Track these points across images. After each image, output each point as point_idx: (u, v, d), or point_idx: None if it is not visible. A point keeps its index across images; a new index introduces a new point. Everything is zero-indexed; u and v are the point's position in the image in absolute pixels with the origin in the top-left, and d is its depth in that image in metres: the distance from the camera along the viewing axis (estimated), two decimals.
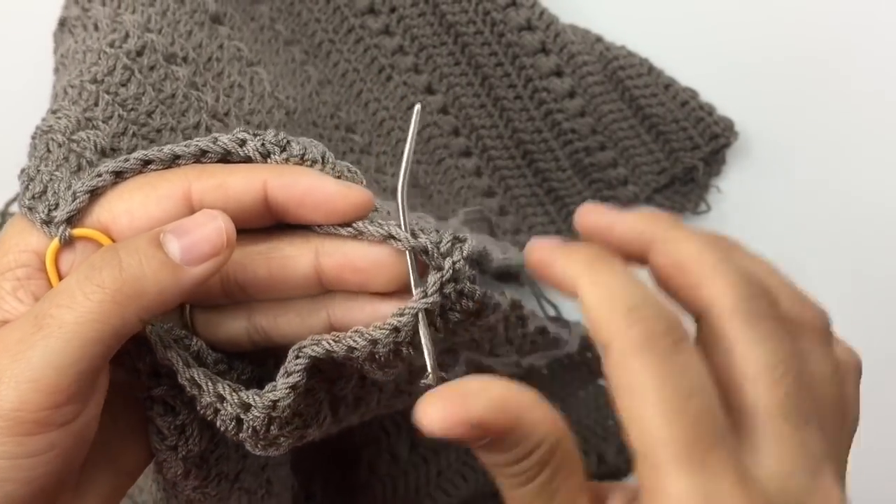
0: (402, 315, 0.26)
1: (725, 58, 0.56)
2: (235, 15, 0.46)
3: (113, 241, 0.27)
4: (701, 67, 0.54)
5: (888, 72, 0.55)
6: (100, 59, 0.35)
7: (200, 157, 0.28)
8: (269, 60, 0.47)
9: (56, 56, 0.39)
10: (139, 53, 0.36)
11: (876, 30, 0.56)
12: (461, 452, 0.49)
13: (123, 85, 0.34)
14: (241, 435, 0.27)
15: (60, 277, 0.27)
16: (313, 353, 0.27)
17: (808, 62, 0.56)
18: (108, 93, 0.33)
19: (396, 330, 0.26)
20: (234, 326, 0.29)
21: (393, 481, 0.46)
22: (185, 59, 0.38)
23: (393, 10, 0.53)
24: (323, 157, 0.28)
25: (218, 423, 0.27)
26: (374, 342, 0.26)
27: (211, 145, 0.28)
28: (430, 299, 0.26)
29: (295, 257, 0.28)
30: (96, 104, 0.32)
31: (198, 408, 0.27)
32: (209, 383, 0.27)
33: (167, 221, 0.27)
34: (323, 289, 0.28)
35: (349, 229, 0.27)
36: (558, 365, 0.48)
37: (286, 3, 0.52)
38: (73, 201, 0.27)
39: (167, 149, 0.28)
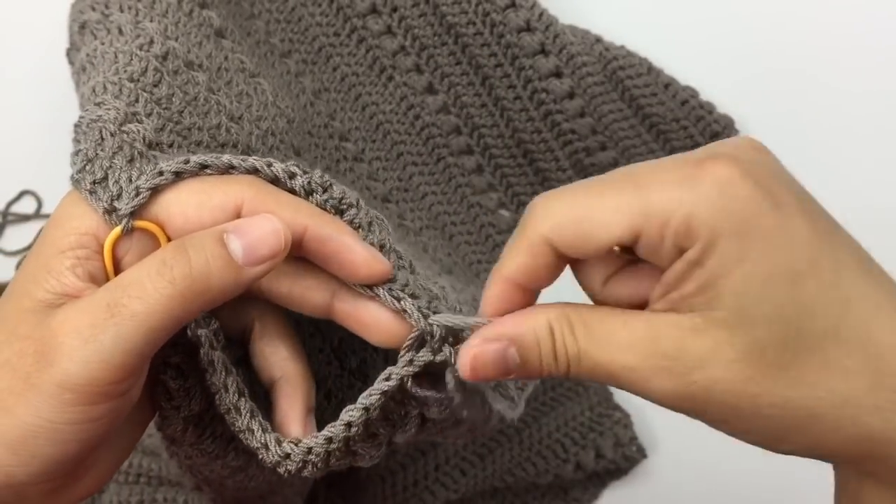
0: (387, 378, 0.30)
1: (725, 56, 0.56)
2: (235, 30, 0.48)
3: (167, 236, 0.30)
4: (700, 66, 0.54)
5: (888, 70, 0.55)
6: (132, 60, 0.36)
7: (252, 173, 0.30)
8: (266, 73, 0.48)
9: (80, 56, 0.40)
10: (164, 58, 0.38)
11: (876, 27, 0.55)
12: (459, 447, 0.50)
13: (156, 85, 0.36)
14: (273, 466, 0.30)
15: (114, 261, 0.30)
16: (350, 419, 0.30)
17: (807, 60, 0.55)
18: (144, 91, 0.35)
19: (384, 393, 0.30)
20: (244, 316, 0.33)
21: (392, 475, 0.47)
22: (200, 67, 0.40)
23: (394, 10, 0.54)
24: (357, 202, 0.31)
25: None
26: (366, 409, 0.30)
27: (265, 168, 0.30)
28: (410, 370, 0.29)
29: (314, 289, 0.31)
30: (137, 100, 0.34)
31: (232, 430, 0.31)
32: (259, 432, 0.30)
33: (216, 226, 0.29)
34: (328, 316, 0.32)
35: (367, 291, 0.30)
36: None
37: (285, 12, 0.53)
38: (136, 196, 0.29)
39: (225, 158, 0.30)
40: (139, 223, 0.29)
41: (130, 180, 0.30)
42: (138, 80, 0.35)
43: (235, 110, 0.40)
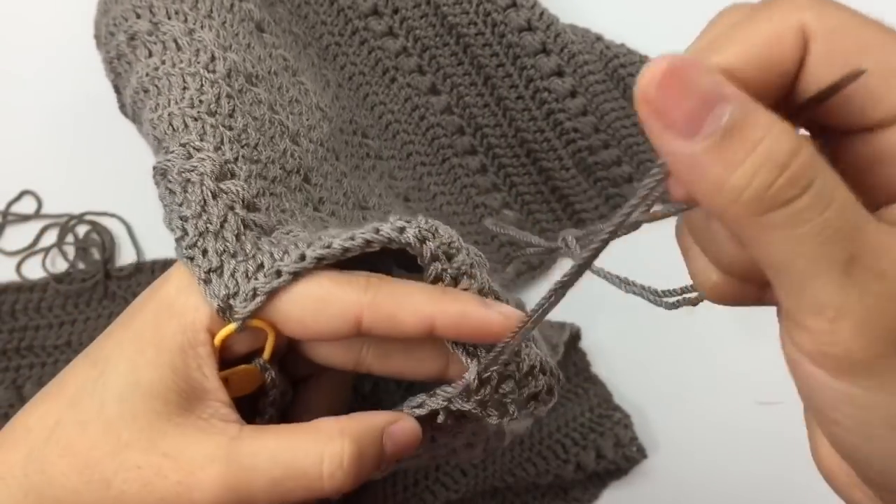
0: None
1: None
2: (271, 20, 0.45)
3: (277, 334, 0.30)
4: None
5: None
6: (202, 85, 0.35)
7: (366, 247, 0.29)
8: (303, 68, 0.46)
9: (137, 74, 0.38)
10: (228, 76, 0.36)
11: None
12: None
13: (231, 115, 0.34)
14: None
15: (221, 349, 0.30)
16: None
17: None
18: (226, 128, 0.34)
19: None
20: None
21: (392, 476, 0.47)
22: (259, 78, 0.38)
23: (396, 11, 0.53)
24: (459, 245, 0.30)
25: None
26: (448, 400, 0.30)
27: (374, 236, 0.29)
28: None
29: (428, 362, 0.31)
30: (222, 142, 0.33)
31: None
32: None
33: (333, 337, 0.29)
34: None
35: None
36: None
37: (295, 6, 0.52)
38: (253, 299, 0.29)
39: (337, 244, 0.29)
40: (253, 323, 0.29)
41: (247, 277, 0.29)
42: (216, 114, 0.34)
43: (292, 126, 0.39)
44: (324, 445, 0.28)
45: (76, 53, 0.50)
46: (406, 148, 0.55)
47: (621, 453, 0.51)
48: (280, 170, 0.36)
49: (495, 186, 0.56)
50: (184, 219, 0.30)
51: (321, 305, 0.29)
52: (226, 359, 0.30)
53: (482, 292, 0.30)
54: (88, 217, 0.55)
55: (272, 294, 0.29)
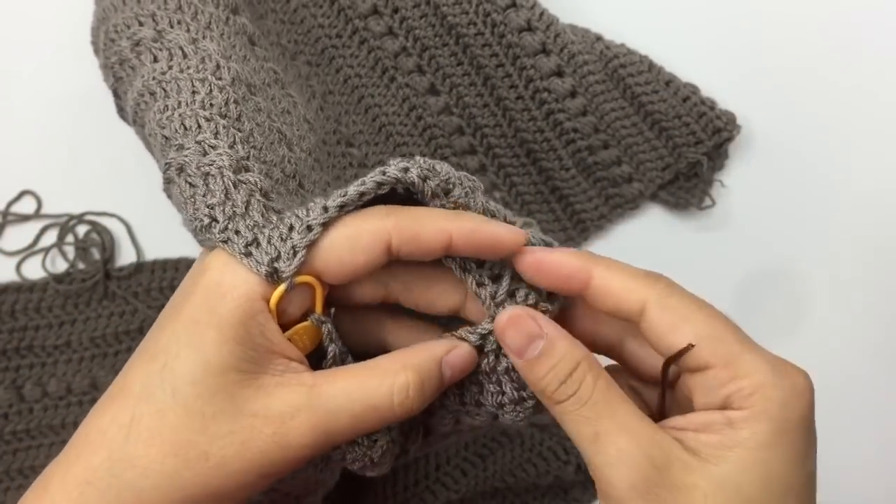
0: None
1: (726, 52, 0.56)
2: (261, 34, 0.47)
3: (322, 284, 0.32)
4: (701, 63, 0.54)
5: (890, 65, 0.55)
6: (212, 90, 0.36)
7: (377, 189, 0.32)
8: (290, 81, 0.47)
9: (142, 78, 0.39)
10: (233, 84, 0.38)
11: (877, 23, 0.55)
12: (461, 447, 0.50)
13: (238, 119, 0.36)
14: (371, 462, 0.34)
15: (277, 311, 0.32)
16: None
17: (808, 55, 0.55)
18: (236, 129, 0.35)
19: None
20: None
21: (393, 475, 0.47)
22: (257, 87, 0.40)
23: (395, 11, 0.53)
24: (455, 178, 0.33)
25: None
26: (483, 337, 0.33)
27: (383, 178, 0.32)
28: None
29: (448, 291, 0.35)
30: (235, 142, 0.35)
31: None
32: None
33: (368, 266, 0.32)
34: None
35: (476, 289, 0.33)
36: None
37: (289, 13, 0.53)
38: (295, 256, 0.31)
39: (352, 190, 0.32)
40: (300, 279, 0.31)
41: (283, 240, 0.31)
42: (226, 116, 0.36)
43: (288, 133, 0.41)
44: (391, 379, 0.31)
45: (76, 54, 0.50)
46: (400, 150, 0.55)
47: None
48: (280, 173, 0.37)
49: (495, 186, 0.56)
50: (211, 207, 0.32)
51: (353, 241, 0.32)
52: (282, 324, 0.32)
53: (484, 214, 0.33)
54: (88, 217, 0.55)
55: (309, 247, 0.31)
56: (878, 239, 0.54)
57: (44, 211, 0.55)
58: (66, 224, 0.55)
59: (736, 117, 0.53)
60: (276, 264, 0.31)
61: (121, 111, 0.43)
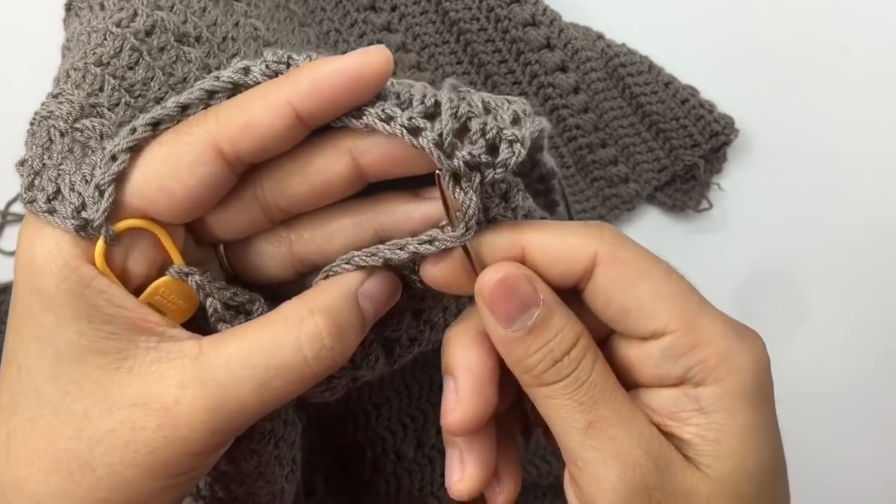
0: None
1: (725, 55, 0.56)
2: None
3: (155, 222, 0.26)
4: (701, 65, 0.55)
5: (887, 68, 0.55)
6: (105, 39, 0.33)
7: (209, 100, 0.26)
8: (285, 41, 0.45)
9: (63, 43, 0.37)
10: (148, 33, 0.34)
11: (875, 26, 0.56)
12: None
13: (131, 68, 0.32)
14: None
15: (115, 272, 0.25)
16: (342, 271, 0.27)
17: (807, 59, 0.56)
18: (114, 77, 0.31)
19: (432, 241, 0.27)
20: (277, 259, 0.29)
21: (397, 480, 0.45)
22: (198, 39, 0.36)
23: (394, 8, 0.53)
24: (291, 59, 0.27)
25: None
26: (414, 253, 0.26)
27: (216, 83, 0.26)
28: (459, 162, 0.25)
29: (331, 165, 0.27)
30: (101, 89, 0.31)
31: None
32: None
33: (206, 188, 0.25)
34: (364, 184, 0.28)
35: (382, 124, 0.25)
36: None
37: None
38: (102, 196, 0.25)
39: (171, 103, 0.26)
40: (121, 225, 0.25)
41: (87, 181, 0.25)
42: (107, 64, 0.32)
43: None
44: (296, 330, 0.25)
45: None
46: None
47: None
48: None
49: None
50: (23, 162, 0.27)
51: (172, 161, 0.25)
52: (136, 287, 0.26)
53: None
54: None
55: (121, 183, 0.25)
56: (874, 243, 0.55)
57: None
58: None
59: (734, 121, 0.54)
60: (83, 214, 0.25)
61: None
